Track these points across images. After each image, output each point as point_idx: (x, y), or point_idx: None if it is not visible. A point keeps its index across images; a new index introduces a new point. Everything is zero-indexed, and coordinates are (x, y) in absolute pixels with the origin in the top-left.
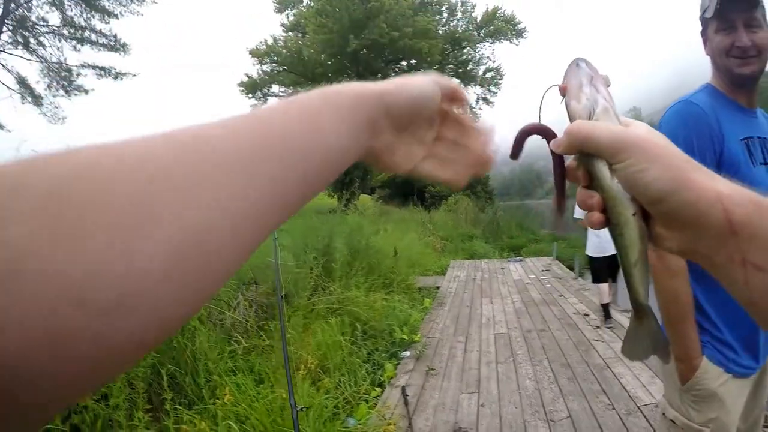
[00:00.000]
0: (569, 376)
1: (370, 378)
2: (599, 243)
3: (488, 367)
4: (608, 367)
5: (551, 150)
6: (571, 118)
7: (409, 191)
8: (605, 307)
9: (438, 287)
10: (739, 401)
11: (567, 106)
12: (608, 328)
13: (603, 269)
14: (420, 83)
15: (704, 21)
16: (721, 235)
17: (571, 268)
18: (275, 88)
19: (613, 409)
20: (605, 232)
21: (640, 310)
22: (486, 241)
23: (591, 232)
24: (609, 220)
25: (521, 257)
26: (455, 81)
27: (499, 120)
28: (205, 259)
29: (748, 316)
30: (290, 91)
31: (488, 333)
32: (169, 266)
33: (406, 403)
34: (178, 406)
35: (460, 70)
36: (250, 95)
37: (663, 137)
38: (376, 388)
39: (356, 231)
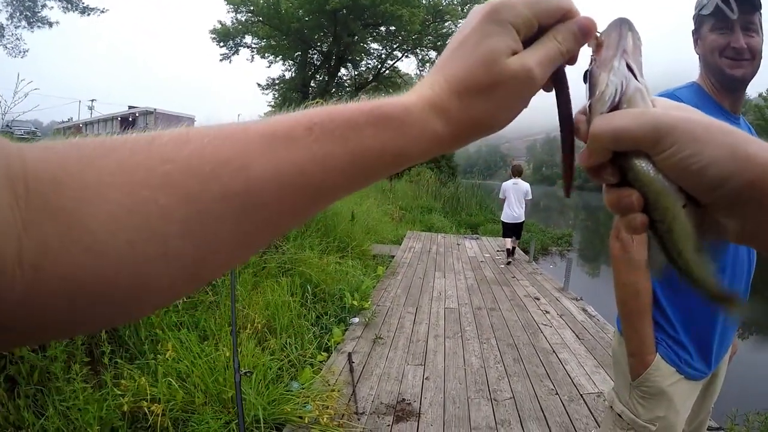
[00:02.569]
0: (515, 357)
1: (317, 342)
2: (510, 213)
3: (436, 340)
4: (554, 352)
5: (561, 114)
6: (593, 89)
7: None
8: (508, 251)
9: (392, 256)
10: (687, 403)
11: (591, 74)
12: (508, 263)
13: (509, 230)
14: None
15: (699, 18)
16: None
17: (526, 252)
18: (248, 38)
19: (557, 394)
20: (514, 207)
21: (725, 299)
22: (444, 215)
23: (506, 205)
24: (651, 218)
25: (478, 235)
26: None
27: None
28: None
29: (707, 320)
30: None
31: (438, 307)
32: None
33: (351, 370)
34: (119, 360)
35: (439, 43)
36: (221, 44)
37: (695, 110)
38: (323, 353)
39: None
